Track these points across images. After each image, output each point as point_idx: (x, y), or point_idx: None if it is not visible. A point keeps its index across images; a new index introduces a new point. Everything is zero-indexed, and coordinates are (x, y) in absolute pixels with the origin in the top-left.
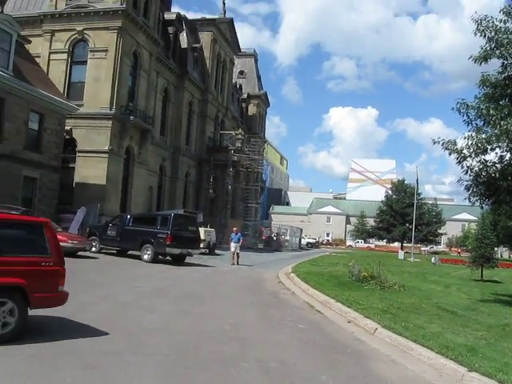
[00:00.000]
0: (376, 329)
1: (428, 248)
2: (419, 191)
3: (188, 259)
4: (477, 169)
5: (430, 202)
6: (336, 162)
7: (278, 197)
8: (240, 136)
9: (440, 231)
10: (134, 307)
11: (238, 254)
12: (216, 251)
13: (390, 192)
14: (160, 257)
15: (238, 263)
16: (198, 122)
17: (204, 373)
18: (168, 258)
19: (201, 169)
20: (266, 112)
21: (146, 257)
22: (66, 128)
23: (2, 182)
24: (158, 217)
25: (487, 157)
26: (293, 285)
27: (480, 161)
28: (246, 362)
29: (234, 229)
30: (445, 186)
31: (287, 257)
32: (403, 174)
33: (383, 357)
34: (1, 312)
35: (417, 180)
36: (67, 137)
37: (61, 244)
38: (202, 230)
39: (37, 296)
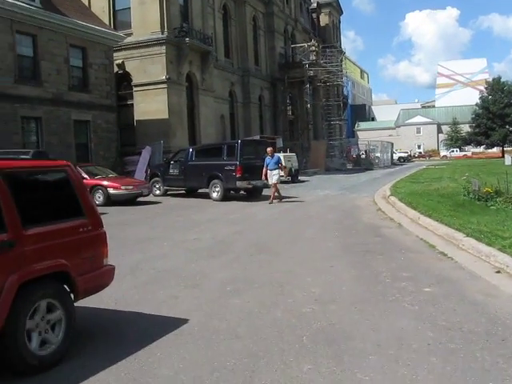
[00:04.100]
0: None
1: None
2: None
3: (266, 191)
4: None
5: None
6: (418, 71)
7: (363, 113)
8: (314, 48)
9: None
10: (170, 281)
11: (275, 185)
12: (299, 178)
13: (485, 93)
14: (232, 192)
15: (272, 200)
16: (265, 38)
17: None
18: (242, 192)
19: (275, 90)
20: (339, 21)
21: (215, 195)
22: (116, 62)
23: (49, 128)
24: (223, 146)
25: None
26: (396, 212)
27: None
28: None
29: (269, 149)
30: None
31: (380, 175)
32: (495, 74)
33: None
34: (40, 321)
35: None
36: (120, 71)
37: (112, 192)
38: (281, 156)
39: (82, 280)
